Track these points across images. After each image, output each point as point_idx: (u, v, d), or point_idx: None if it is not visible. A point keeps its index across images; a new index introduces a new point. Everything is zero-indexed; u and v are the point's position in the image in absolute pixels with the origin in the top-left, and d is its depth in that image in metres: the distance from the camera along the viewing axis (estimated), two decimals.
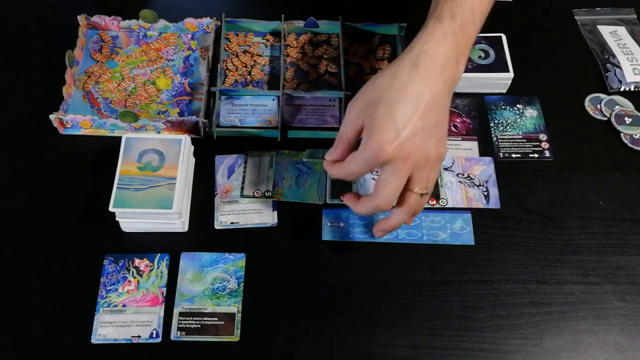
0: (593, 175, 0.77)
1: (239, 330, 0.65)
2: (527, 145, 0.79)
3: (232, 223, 0.72)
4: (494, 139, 0.80)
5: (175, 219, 0.69)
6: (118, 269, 0.69)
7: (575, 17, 0.92)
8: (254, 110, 0.80)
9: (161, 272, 0.69)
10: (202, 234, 0.71)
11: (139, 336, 0.65)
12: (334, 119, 0.80)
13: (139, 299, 0.67)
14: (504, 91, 0.83)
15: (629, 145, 0.79)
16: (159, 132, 0.77)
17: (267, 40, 0.87)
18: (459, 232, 0.72)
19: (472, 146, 0.79)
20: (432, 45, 0.59)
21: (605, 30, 0.90)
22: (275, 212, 0.73)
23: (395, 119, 0.57)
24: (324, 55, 0.85)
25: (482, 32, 0.83)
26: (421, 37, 0.61)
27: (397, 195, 0.60)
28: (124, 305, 0.66)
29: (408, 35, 0.86)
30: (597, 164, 0.78)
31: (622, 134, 0.80)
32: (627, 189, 0.76)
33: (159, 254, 0.70)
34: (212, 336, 0.65)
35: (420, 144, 0.58)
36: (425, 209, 0.73)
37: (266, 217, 0.73)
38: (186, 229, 0.71)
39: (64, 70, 0.79)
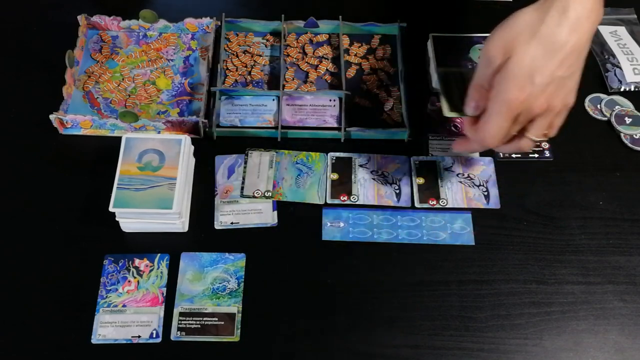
0: (593, 175, 0.77)
1: (239, 330, 0.65)
2: None
3: (232, 223, 0.72)
4: None
5: (175, 219, 0.69)
6: (118, 269, 0.69)
7: None
8: (254, 110, 0.80)
9: (161, 272, 0.69)
10: (202, 234, 0.71)
11: (139, 336, 0.65)
12: (334, 119, 0.80)
13: (139, 299, 0.67)
14: None
15: (629, 145, 0.79)
16: (159, 132, 0.77)
17: (267, 40, 0.87)
18: (459, 232, 0.72)
19: None
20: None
21: (605, 30, 0.90)
22: (275, 212, 0.73)
23: (535, 68, 0.56)
24: (324, 55, 0.85)
25: (482, 32, 0.84)
26: None
27: (506, 137, 0.60)
28: (124, 306, 0.66)
29: (408, 35, 0.86)
30: (597, 164, 0.78)
31: (622, 134, 0.80)
32: (627, 189, 0.76)
33: (159, 254, 0.70)
34: (212, 336, 0.65)
35: (550, 95, 0.57)
36: (425, 209, 0.74)
37: (266, 217, 0.73)
38: (186, 229, 0.71)
39: (64, 70, 0.79)
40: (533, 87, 0.56)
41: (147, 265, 0.69)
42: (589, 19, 0.57)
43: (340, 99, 0.81)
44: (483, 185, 0.76)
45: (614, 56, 0.86)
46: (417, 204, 0.74)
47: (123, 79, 0.82)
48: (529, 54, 0.56)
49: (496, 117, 0.59)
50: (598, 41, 0.89)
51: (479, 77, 0.60)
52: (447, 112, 0.65)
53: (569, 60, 0.57)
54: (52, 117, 0.76)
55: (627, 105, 0.83)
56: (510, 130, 0.60)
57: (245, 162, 0.76)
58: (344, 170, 0.76)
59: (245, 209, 0.73)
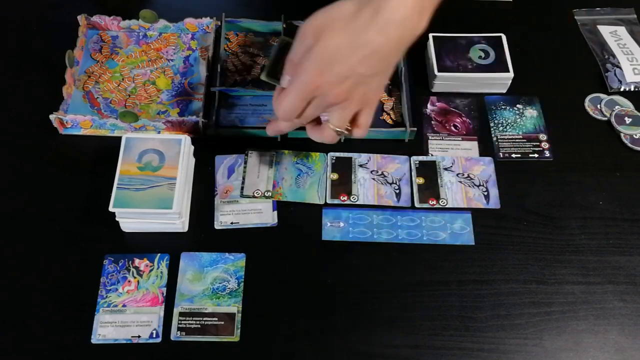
0: (593, 175, 0.77)
1: (239, 330, 0.65)
2: (527, 145, 0.79)
3: (232, 223, 0.72)
4: (494, 139, 0.80)
5: (175, 219, 0.69)
6: (118, 269, 0.69)
7: (575, 17, 0.92)
8: (254, 110, 0.80)
9: (161, 272, 0.69)
10: (202, 234, 0.71)
11: (139, 336, 0.65)
12: None
13: (139, 299, 0.67)
14: (504, 91, 0.83)
15: (629, 145, 0.79)
16: (159, 132, 0.77)
17: (267, 40, 0.87)
18: (459, 232, 0.72)
19: (472, 146, 0.79)
20: (397, 1, 0.57)
21: (605, 30, 0.90)
22: (275, 212, 0.73)
23: (336, 57, 0.57)
24: None
25: (482, 32, 0.84)
26: None
27: (296, 114, 0.62)
28: (124, 305, 0.66)
29: None
30: (597, 164, 0.78)
31: (622, 134, 0.80)
32: (627, 189, 0.76)
33: (159, 254, 0.70)
34: (212, 336, 0.65)
35: (348, 88, 0.59)
36: (425, 209, 0.74)
37: (266, 217, 0.73)
38: (186, 229, 0.71)
39: (64, 70, 0.79)
40: (331, 75, 0.58)
41: (147, 265, 0.69)
42: (399, 27, 0.57)
43: None
44: (483, 185, 0.76)
45: (614, 56, 0.86)
46: (417, 204, 0.74)
47: (123, 79, 0.82)
48: (335, 42, 0.57)
49: (292, 94, 0.61)
50: (598, 41, 0.89)
51: (293, 52, 0.61)
52: (264, 76, 0.66)
53: (371, 60, 0.58)
54: (52, 117, 0.76)
55: (627, 105, 0.83)
56: (307, 113, 0.62)
57: (245, 162, 0.76)
58: (344, 170, 0.76)
59: (245, 209, 0.73)
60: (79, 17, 0.84)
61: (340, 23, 0.58)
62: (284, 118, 0.64)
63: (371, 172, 0.76)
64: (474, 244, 0.72)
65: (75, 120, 0.77)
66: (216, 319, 0.66)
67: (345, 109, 0.62)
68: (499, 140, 0.79)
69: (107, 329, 0.65)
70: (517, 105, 0.83)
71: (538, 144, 0.79)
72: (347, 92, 0.60)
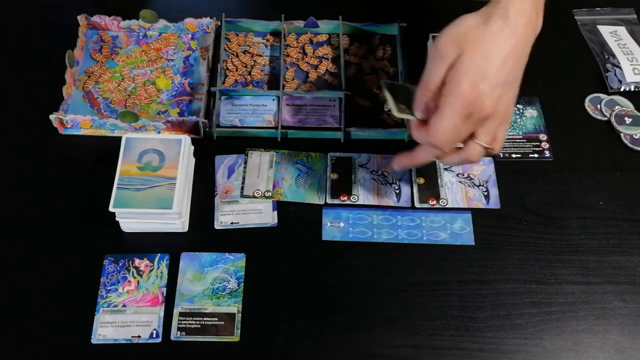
0: (593, 175, 0.77)
1: (239, 330, 0.65)
2: (527, 145, 0.79)
3: (232, 223, 0.72)
4: None
5: (175, 219, 0.69)
6: (118, 269, 0.69)
7: (575, 17, 0.92)
8: (254, 110, 0.80)
9: (161, 272, 0.69)
10: (202, 234, 0.71)
11: (139, 336, 0.65)
12: (334, 119, 0.80)
13: (139, 299, 0.67)
14: None
15: (629, 145, 0.79)
16: (159, 132, 0.77)
17: (267, 40, 0.87)
18: (459, 232, 0.72)
19: None
20: (519, 1, 0.59)
21: (605, 30, 0.90)
22: (275, 212, 0.73)
23: (484, 67, 0.57)
24: (324, 55, 0.85)
25: None
26: None
27: (458, 137, 0.59)
28: (124, 306, 0.66)
29: (408, 35, 0.86)
30: (597, 164, 0.78)
31: (622, 134, 0.80)
32: (627, 189, 0.76)
33: (159, 254, 0.70)
34: (212, 336, 0.65)
35: (498, 97, 0.58)
36: (425, 209, 0.74)
37: (266, 217, 0.73)
38: (186, 229, 0.71)
39: (64, 70, 0.79)
40: (484, 86, 0.57)
41: (147, 265, 0.69)
42: (526, 28, 0.59)
43: (340, 99, 0.81)
44: (483, 185, 0.76)
45: (614, 56, 0.86)
46: (417, 204, 0.74)
47: (123, 79, 0.82)
48: (479, 53, 0.57)
49: (450, 112, 0.58)
50: (598, 41, 0.89)
51: (430, 75, 0.59)
52: (397, 113, 0.64)
53: (510, 64, 0.58)
54: (52, 117, 0.76)
55: (627, 105, 0.83)
56: (462, 132, 0.59)
57: (245, 162, 0.76)
58: (344, 170, 0.76)
59: (245, 209, 0.73)
60: (79, 17, 0.84)
61: (475, 34, 0.58)
62: (445, 143, 0.59)
63: (371, 172, 0.76)
64: (474, 244, 0.72)
65: (75, 120, 0.77)
66: (216, 319, 0.66)
67: (493, 121, 0.59)
68: None
69: (107, 329, 0.65)
70: (517, 105, 0.83)
71: (538, 144, 0.79)
72: (497, 103, 0.58)
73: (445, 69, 0.58)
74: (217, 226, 0.72)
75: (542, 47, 0.88)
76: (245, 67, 0.84)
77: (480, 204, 0.74)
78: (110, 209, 0.67)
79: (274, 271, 0.69)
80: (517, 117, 0.81)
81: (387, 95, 0.65)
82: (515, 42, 0.58)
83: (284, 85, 0.81)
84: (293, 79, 0.83)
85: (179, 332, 0.65)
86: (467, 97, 0.57)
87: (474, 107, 0.57)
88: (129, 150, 0.70)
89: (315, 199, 0.74)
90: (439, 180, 0.76)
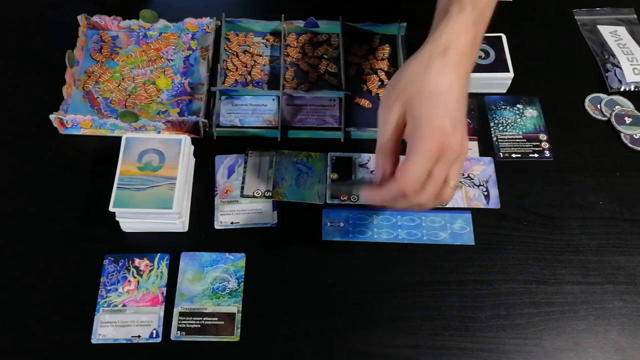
0: (593, 175, 0.77)
1: (239, 330, 0.65)
2: (527, 145, 0.79)
3: (232, 223, 0.72)
4: (494, 139, 0.80)
5: (175, 219, 0.69)
6: (118, 269, 0.69)
7: (575, 17, 0.92)
8: (254, 110, 0.80)
9: (161, 272, 0.69)
10: (202, 234, 0.71)
11: (139, 336, 0.65)
12: (334, 119, 0.80)
13: (139, 299, 0.67)
14: (504, 91, 0.84)
15: (629, 145, 0.79)
16: (159, 132, 0.77)
17: (267, 40, 0.87)
18: (459, 232, 0.72)
19: (472, 146, 0.79)
20: (458, 35, 0.58)
21: (605, 30, 0.90)
22: (275, 212, 0.73)
23: (439, 106, 0.56)
24: (324, 55, 0.85)
25: None
26: (447, 26, 0.59)
27: (423, 180, 0.57)
28: (124, 305, 0.66)
29: (408, 35, 0.86)
30: (597, 164, 0.78)
31: (622, 134, 0.80)
32: (627, 189, 0.76)
33: (159, 254, 0.70)
34: (212, 336, 0.65)
35: (461, 135, 0.57)
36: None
37: (266, 217, 0.73)
38: (186, 229, 0.71)
39: (64, 70, 0.79)
40: (448, 126, 0.56)
41: (147, 265, 0.69)
42: (465, 64, 0.58)
43: (340, 99, 0.81)
44: (483, 185, 0.76)
45: (614, 56, 0.86)
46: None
47: (123, 79, 0.82)
48: (431, 100, 0.56)
49: (418, 159, 0.56)
50: (598, 41, 0.89)
51: (383, 139, 0.59)
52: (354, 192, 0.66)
53: (460, 102, 0.57)
54: (52, 117, 0.76)
55: (627, 105, 0.83)
56: (437, 174, 0.57)
57: (245, 162, 0.76)
58: (344, 170, 0.76)
59: (245, 209, 0.73)
60: (79, 17, 0.84)
61: (419, 81, 0.57)
62: (412, 186, 0.56)
63: (371, 172, 0.76)
64: (474, 244, 0.72)
65: (75, 120, 0.77)
66: (216, 319, 0.66)
67: (460, 159, 0.58)
68: (499, 140, 0.79)
69: (107, 328, 0.65)
70: (517, 105, 0.83)
71: (538, 144, 0.79)
72: (462, 141, 0.57)
73: (398, 135, 0.58)
74: (217, 226, 0.72)
75: (542, 47, 0.88)
76: (245, 67, 0.84)
77: (480, 204, 0.74)
78: (110, 208, 0.67)
79: (274, 271, 0.69)
80: (517, 117, 0.81)
81: (343, 188, 0.68)
82: (459, 81, 0.57)
83: (284, 85, 0.81)
84: (293, 79, 0.83)
85: (179, 332, 0.65)
86: (435, 142, 0.55)
87: (444, 150, 0.56)
88: (129, 150, 0.70)
89: (315, 199, 0.74)
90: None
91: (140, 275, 0.68)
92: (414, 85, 0.57)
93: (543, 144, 0.79)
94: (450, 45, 0.58)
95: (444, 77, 0.57)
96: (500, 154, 0.78)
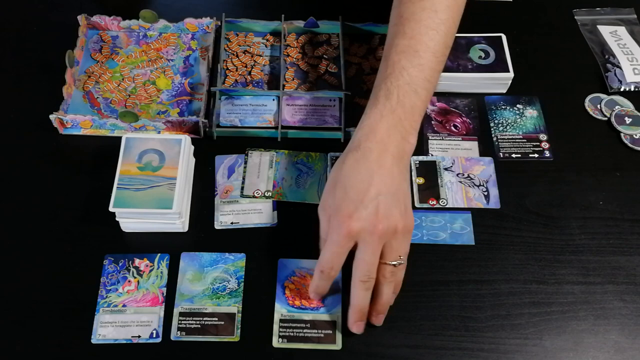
0: (593, 175, 0.77)
1: (239, 330, 0.65)
2: (527, 145, 0.79)
3: (232, 223, 0.72)
4: (494, 139, 0.80)
5: (175, 219, 0.69)
6: (118, 269, 0.69)
7: (575, 17, 0.92)
8: (254, 110, 0.80)
9: (161, 272, 0.69)
10: (202, 234, 0.71)
11: (139, 336, 0.65)
12: (334, 119, 0.80)
13: (139, 299, 0.67)
14: (504, 91, 0.84)
15: (629, 145, 0.79)
16: (159, 132, 0.77)
17: (267, 40, 0.87)
18: (459, 232, 0.72)
19: (472, 146, 0.79)
20: (371, 127, 0.62)
21: (605, 30, 0.90)
22: (275, 212, 0.73)
23: (351, 195, 0.59)
24: (324, 55, 0.85)
25: (482, 32, 0.84)
26: (361, 121, 0.64)
27: (335, 263, 0.62)
28: (124, 305, 0.66)
29: None
30: (597, 164, 0.78)
31: (622, 134, 0.80)
32: (627, 189, 0.76)
33: (159, 254, 0.70)
34: (212, 336, 0.65)
35: (384, 214, 0.59)
36: (425, 209, 0.74)
37: (266, 217, 0.73)
38: (186, 229, 0.71)
39: (64, 70, 0.79)
40: (358, 210, 0.59)
41: (147, 265, 0.69)
42: (387, 150, 0.61)
43: (340, 99, 0.81)
44: (483, 185, 0.76)
45: (614, 56, 0.86)
46: (417, 204, 0.74)
47: (123, 79, 0.82)
48: (343, 190, 0.60)
49: (328, 245, 0.61)
50: (598, 41, 0.89)
51: (323, 239, 0.64)
52: None
53: (382, 183, 0.60)
54: (52, 117, 0.76)
55: (627, 105, 0.83)
56: (371, 263, 0.61)
57: (245, 162, 0.76)
58: None
59: (245, 209, 0.73)
60: (79, 17, 0.84)
61: (336, 178, 0.61)
62: (326, 266, 0.62)
63: None
64: (474, 244, 0.72)
65: (75, 120, 0.77)
66: (216, 319, 0.66)
67: (394, 238, 0.61)
68: (499, 140, 0.79)
69: (107, 329, 0.65)
70: (517, 105, 0.83)
71: (538, 144, 0.79)
72: (388, 223, 0.60)
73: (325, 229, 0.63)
74: (217, 226, 0.72)
75: (542, 46, 0.88)
76: (245, 67, 0.84)
77: (480, 204, 0.74)
78: (110, 209, 0.67)
79: (274, 271, 0.69)
80: (517, 117, 0.81)
81: None
82: (378, 166, 0.60)
83: (284, 85, 0.81)
84: (293, 79, 0.83)
85: (179, 332, 0.65)
86: (342, 229, 0.59)
87: (355, 235, 0.59)
88: (129, 150, 0.70)
89: (315, 199, 0.74)
90: (439, 180, 0.76)
91: (140, 276, 0.68)
92: (331, 185, 0.62)
93: (543, 144, 0.79)
94: (362, 139, 0.62)
95: (359, 167, 0.61)
96: (500, 154, 0.78)
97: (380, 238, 0.60)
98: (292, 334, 0.65)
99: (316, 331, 0.65)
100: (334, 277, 0.64)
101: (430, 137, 0.79)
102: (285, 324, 0.65)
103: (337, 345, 0.64)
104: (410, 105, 0.63)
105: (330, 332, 0.65)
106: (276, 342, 0.64)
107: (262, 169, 0.76)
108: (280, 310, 0.66)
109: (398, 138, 0.62)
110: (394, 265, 0.62)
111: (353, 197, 0.59)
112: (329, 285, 0.65)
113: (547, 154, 0.78)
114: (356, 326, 0.63)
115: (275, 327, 0.65)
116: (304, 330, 0.65)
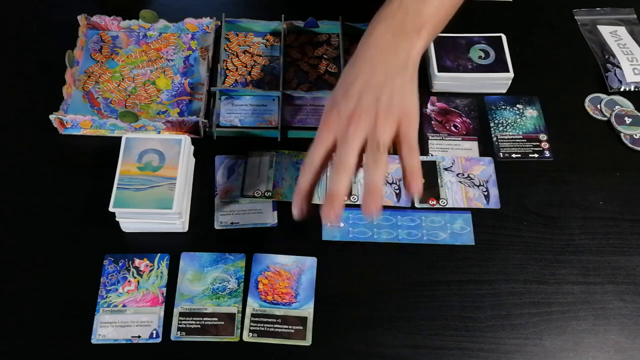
0: (593, 175, 0.77)
1: (239, 330, 0.65)
2: (527, 145, 0.79)
3: (232, 223, 0.72)
4: (494, 139, 0.80)
5: (175, 219, 0.69)
6: (118, 269, 0.69)
7: (575, 17, 0.92)
8: (254, 110, 0.80)
9: (161, 272, 0.69)
10: (202, 234, 0.71)
11: (139, 336, 0.65)
12: None
13: (139, 299, 0.67)
14: (504, 91, 0.84)
15: (629, 145, 0.79)
16: (159, 132, 0.77)
17: (267, 40, 0.87)
18: (459, 232, 0.72)
19: (472, 146, 0.79)
20: (369, 31, 0.65)
21: (605, 30, 0.90)
22: (275, 212, 0.73)
23: (336, 92, 0.62)
24: (324, 55, 0.85)
25: (482, 32, 0.84)
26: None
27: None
28: (124, 306, 0.66)
29: None
30: (597, 164, 0.78)
31: (622, 134, 0.80)
32: (627, 189, 0.76)
33: (159, 254, 0.70)
34: (212, 336, 0.65)
35: (367, 98, 0.60)
36: (425, 209, 0.74)
37: (266, 217, 0.73)
38: (186, 229, 0.71)
39: (64, 70, 0.79)
40: (346, 90, 0.61)
41: (147, 265, 0.69)
42: (377, 48, 0.64)
43: None
44: (483, 185, 0.76)
45: (614, 56, 0.86)
46: (417, 204, 0.74)
47: (123, 79, 0.82)
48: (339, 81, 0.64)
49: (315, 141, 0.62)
50: (598, 41, 0.89)
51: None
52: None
53: (372, 71, 0.62)
54: (52, 117, 0.76)
55: (627, 105, 0.83)
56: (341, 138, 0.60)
57: (245, 162, 0.76)
58: None
59: (245, 209, 0.73)
60: (79, 17, 0.84)
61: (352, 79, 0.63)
62: (307, 162, 0.61)
63: None
64: (474, 244, 0.72)
65: (75, 120, 0.77)
66: (216, 319, 0.66)
67: (376, 119, 0.59)
68: (499, 140, 0.79)
69: (107, 329, 0.65)
70: (517, 105, 0.83)
71: (538, 144, 0.79)
72: (367, 100, 0.60)
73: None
74: (217, 226, 0.72)
75: (542, 47, 0.88)
76: (245, 67, 0.84)
77: (480, 204, 0.74)
78: (110, 209, 0.67)
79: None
80: (517, 117, 0.81)
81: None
82: (358, 59, 0.63)
83: (284, 85, 0.81)
84: (293, 79, 0.83)
85: (179, 332, 0.65)
86: (326, 111, 0.62)
87: (334, 112, 0.61)
88: (129, 150, 0.70)
89: (315, 199, 0.74)
90: (439, 180, 0.76)
91: (140, 276, 0.68)
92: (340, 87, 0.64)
93: (543, 144, 0.79)
94: (360, 43, 0.65)
95: (348, 69, 0.63)
96: (500, 154, 0.78)
97: (361, 120, 0.60)
98: (262, 329, 0.65)
99: (287, 327, 0.65)
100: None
101: (430, 137, 0.79)
102: (257, 319, 0.65)
103: (307, 342, 0.64)
104: (415, 9, 0.64)
105: (301, 328, 0.65)
106: (246, 336, 0.64)
107: (262, 169, 0.76)
108: (252, 304, 0.66)
109: (394, 38, 0.64)
110: (373, 146, 0.60)
111: (337, 93, 0.62)
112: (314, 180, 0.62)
113: (547, 154, 0.78)
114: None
115: (247, 321, 0.65)
116: (275, 326, 0.65)
